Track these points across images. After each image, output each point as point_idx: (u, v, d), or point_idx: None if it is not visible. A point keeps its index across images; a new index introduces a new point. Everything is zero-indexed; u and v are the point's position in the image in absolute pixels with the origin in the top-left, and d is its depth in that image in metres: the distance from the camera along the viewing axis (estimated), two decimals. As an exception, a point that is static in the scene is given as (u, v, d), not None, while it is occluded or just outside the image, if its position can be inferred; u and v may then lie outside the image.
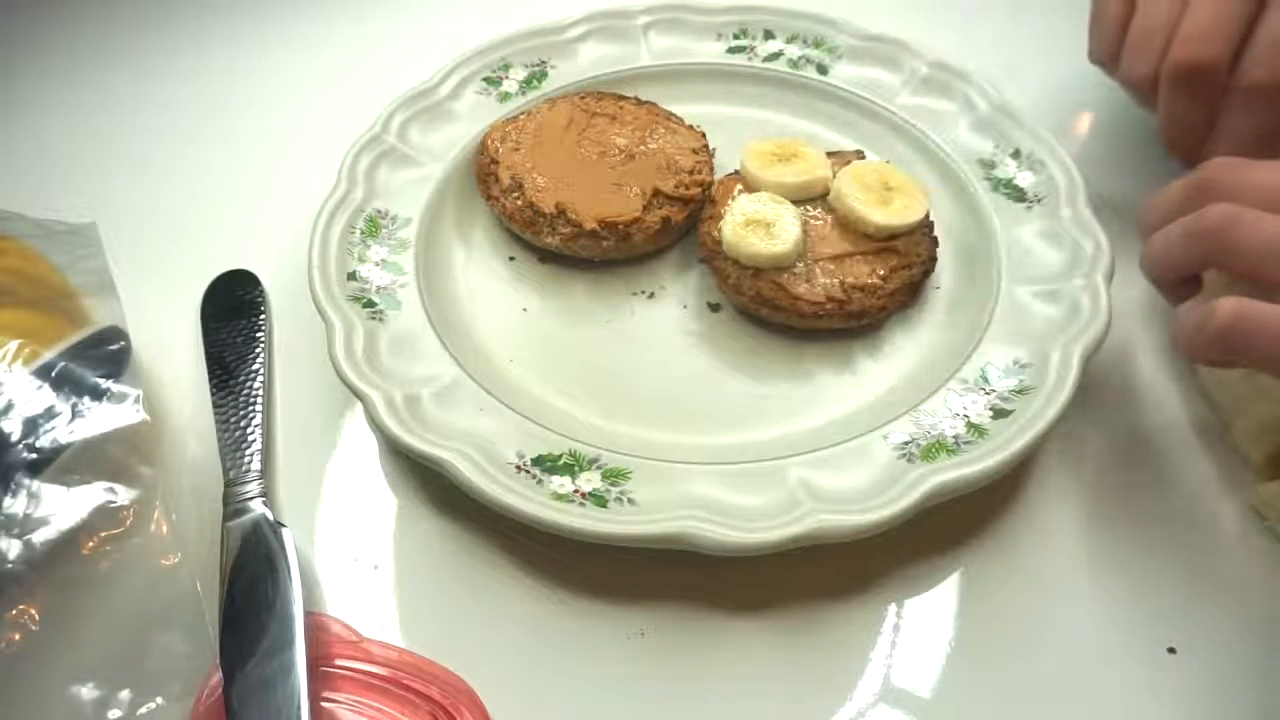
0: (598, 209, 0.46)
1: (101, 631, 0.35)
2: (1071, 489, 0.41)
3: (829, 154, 0.49)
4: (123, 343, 0.41)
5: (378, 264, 0.45)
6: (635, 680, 0.37)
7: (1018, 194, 0.48)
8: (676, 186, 0.48)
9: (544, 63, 0.55)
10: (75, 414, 0.38)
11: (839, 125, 0.54)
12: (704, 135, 0.51)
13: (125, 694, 0.34)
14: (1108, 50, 0.48)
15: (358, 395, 0.40)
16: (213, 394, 0.43)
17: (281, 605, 0.35)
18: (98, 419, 0.38)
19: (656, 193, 0.47)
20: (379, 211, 0.47)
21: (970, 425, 0.39)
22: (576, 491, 0.38)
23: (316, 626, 0.37)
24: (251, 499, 0.39)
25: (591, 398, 0.43)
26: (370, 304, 0.44)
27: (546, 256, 0.48)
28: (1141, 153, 0.52)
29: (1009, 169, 0.49)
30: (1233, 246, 0.35)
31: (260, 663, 0.34)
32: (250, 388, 0.44)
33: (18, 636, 0.34)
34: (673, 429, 0.41)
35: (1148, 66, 0.45)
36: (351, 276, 0.44)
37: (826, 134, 0.54)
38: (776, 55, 0.56)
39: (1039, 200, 0.48)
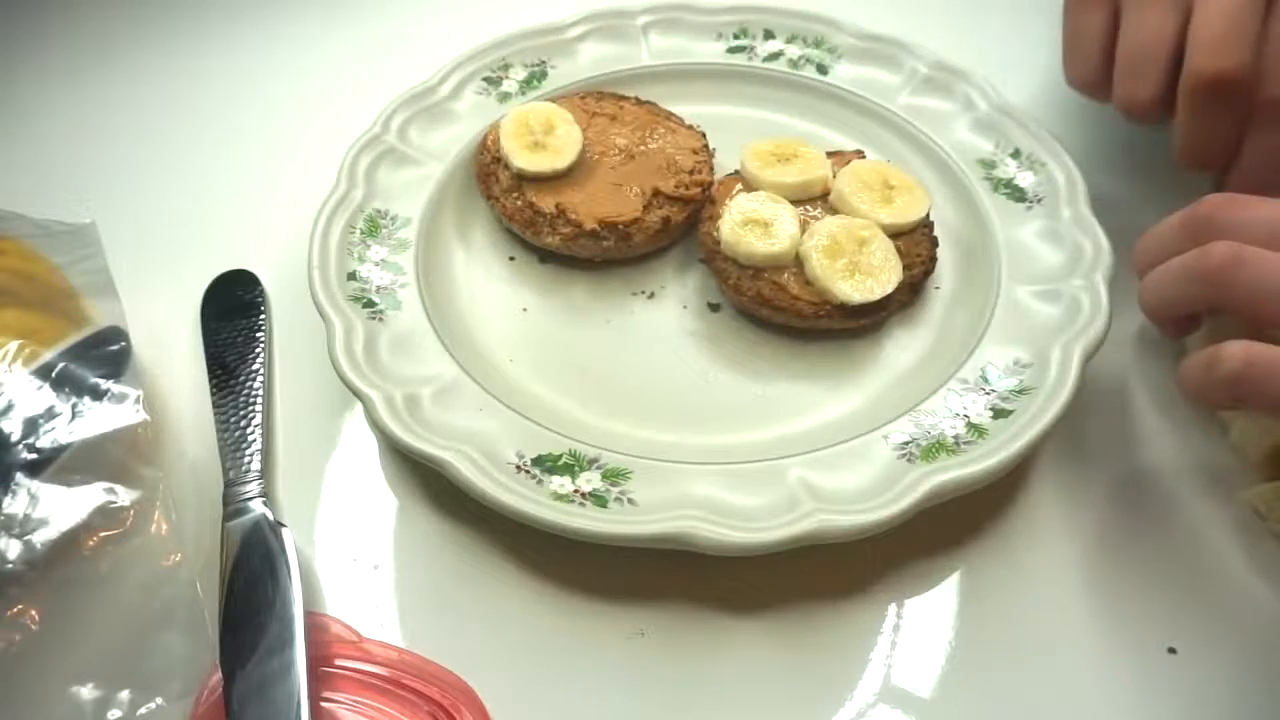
0: (598, 209, 0.46)
1: (101, 631, 0.35)
2: (1071, 489, 0.41)
3: (829, 154, 0.49)
4: (123, 343, 0.41)
5: (378, 264, 0.45)
6: (635, 680, 0.37)
7: (1018, 194, 0.48)
8: (676, 186, 0.48)
9: (544, 63, 0.55)
10: (75, 414, 0.38)
11: (839, 125, 0.54)
12: (704, 135, 0.51)
13: (125, 694, 0.34)
14: (1092, 74, 0.45)
15: (358, 395, 0.40)
16: (213, 394, 0.43)
17: (281, 605, 0.35)
18: (98, 419, 0.38)
19: (656, 193, 0.47)
20: (379, 211, 0.47)
21: (970, 425, 0.39)
22: (576, 491, 0.38)
23: (316, 626, 0.37)
24: (251, 499, 0.39)
25: (592, 398, 0.43)
26: (370, 304, 0.44)
27: (546, 256, 0.48)
28: (1142, 152, 0.52)
29: (1009, 169, 0.49)
30: (1237, 287, 0.34)
31: (260, 663, 0.34)
32: (250, 388, 0.44)
33: (18, 636, 0.34)
34: (673, 429, 0.41)
35: (1150, 88, 0.42)
36: (351, 276, 0.44)
37: (826, 134, 0.54)
38: (776, 55, 0.56)
39: (1039, 200, 0.48)
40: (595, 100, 0.52)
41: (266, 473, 0.41)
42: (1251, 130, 0.41)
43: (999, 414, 0.40)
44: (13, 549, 0.35)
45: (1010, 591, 0.39)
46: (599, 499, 0.37)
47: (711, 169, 0.50)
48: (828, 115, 0.54)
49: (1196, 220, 0.37)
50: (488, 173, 0.49)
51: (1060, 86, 0.48)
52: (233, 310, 0.47)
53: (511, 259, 0.49)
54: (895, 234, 0.45)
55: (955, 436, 0.39)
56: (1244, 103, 0.40)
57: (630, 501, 0.37)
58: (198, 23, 0.63)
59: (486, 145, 0.50)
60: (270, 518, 0.38)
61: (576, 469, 0.39)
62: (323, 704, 0.35)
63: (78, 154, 0.56)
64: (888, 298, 0.43)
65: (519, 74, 0.54)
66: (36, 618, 0.35)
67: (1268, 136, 0.41)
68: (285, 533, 0.38)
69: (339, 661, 0.36)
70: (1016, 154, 0.50)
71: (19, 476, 0.36)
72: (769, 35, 0.56)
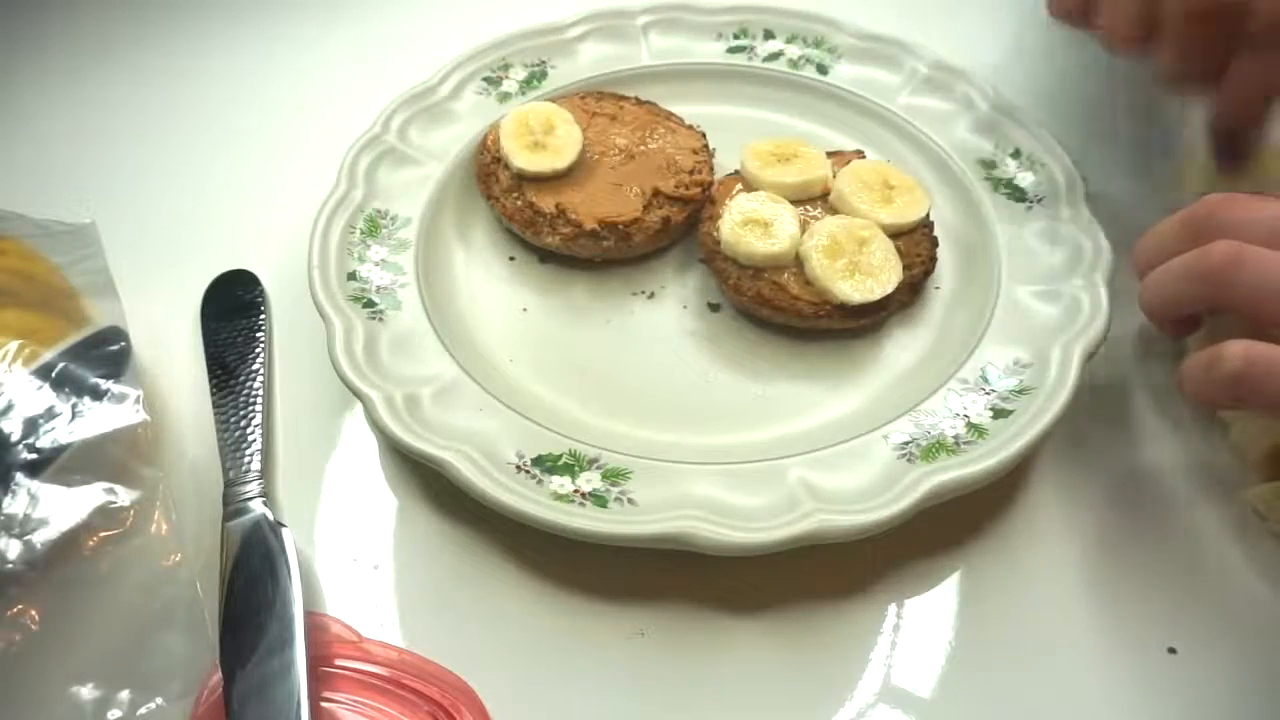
0: (598, 209, 0.46)
1: (101, 631, 0.35)
2: (1071, 489, 0.41)
3: (829, 154, 0.49)
4: (123, 343, 0.41)
5: (378, 264, 0.45)
6: (635, 680, 0.37)
7: (1018, 194, 0.48)
8: (676, 186, 0.48)
9: (544, 63, 0.55)
10: (75, 414, 0.38)
11: (839, 125, 0.54)
12: (704, 135, 0.51)
13: (125, 694, 0.34)
14: (1075, 3, 0.44)
15: (358, 395, 0.40)
16: (213, 394, 0.43)
17: (281, 605, 0.35)
18: (98, 419, 0.38)
19: (656, 193, 0.47)
20: (379, 211, 0.47)
21: (970, 425, 0.39)
22: (576, 491, 0.38)
23: (316, 626, 0.37)
24: (251, 499, 0.39)
25: (592, 398, 0.43)
26: (370, 304, 0.44)
27: (546, 256, 0.48)
28: (1142, 153, 0.52)
29: (1009, 169, 0.49)
30: (1238, 286, 0.34)
31: (260, 663, 0.34)
32: (250, 388, 0.44)
33: (18, 636, 0.34)
34: (673, 429, 0.41)
35: (1132, 25, 0.41)
36: (351, 276, 0.44)
37: (826, 134, 0.54)
38: (776, 55, 0.56)
39: (1039, 200, 0.48)
40: (595, 100, 0.52)
41: (266, 473, 0.41)
42: (1239, 55, 0.40)
43: (999, 414, 0.40)
44: (13, 549, 0.35)
45: (1010, 591, 0.39)
46: (599, 499, 0.37)
47: (711, 169, 0.50)
48: (828, 115, 0.54)
49: (1196, 220, 0.37)
50: (488, 173, 0.49)
51: (1060, 87, 0.48)
52: (233, 310, 0.47)
53: (511, 259, 0.49)
54: (895, 234, 0.45)
55: (955, 436, 0.39)
56: (1235, 28, 0.39)
57: (630, 501, 0.37)
58: (198, 23, 0.63)
59: (486, 145, 0.50)
60: (270, 518, 0.38)
61: (576, 469, 0.39)
62: (323, 704, 0.35)
63: (78, 154, 0.56)
64: (888, 298, 0.43)
65: (519, 74, 0.54)
66: (36, 618, 0.35)
67: (1255, 60, 0.40)
68: (285, 533, 0.38)
69: (339, 661, 0.36)
70: (1016, 154, 0.50)
71: (19, 476, 0.36)
72: (769, 35, 0.56)
